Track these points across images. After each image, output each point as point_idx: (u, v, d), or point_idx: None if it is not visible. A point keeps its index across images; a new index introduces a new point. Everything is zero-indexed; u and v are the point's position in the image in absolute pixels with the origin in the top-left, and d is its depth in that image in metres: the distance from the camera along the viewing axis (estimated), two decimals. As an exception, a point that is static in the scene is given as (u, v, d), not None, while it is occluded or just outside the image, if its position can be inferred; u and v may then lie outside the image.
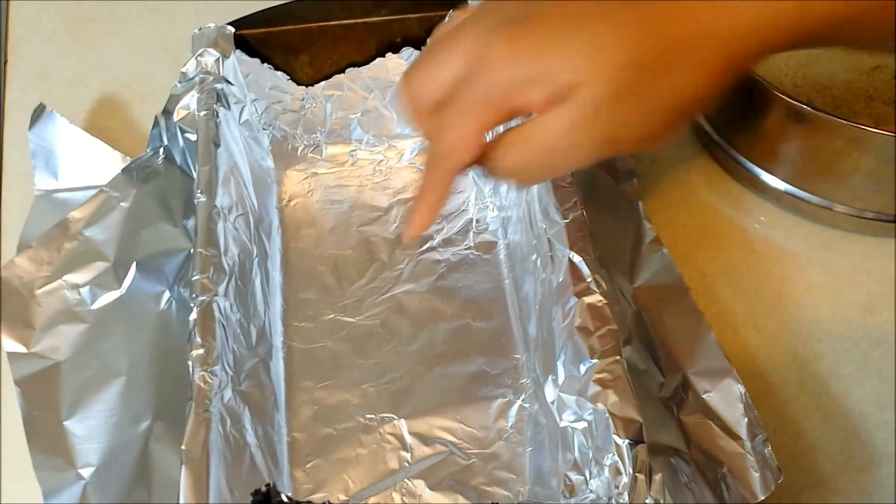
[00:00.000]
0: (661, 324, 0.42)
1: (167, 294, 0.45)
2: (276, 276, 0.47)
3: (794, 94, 0.45)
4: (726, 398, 0.39)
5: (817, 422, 0.43)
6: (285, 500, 0.35)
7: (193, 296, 0.39)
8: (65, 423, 0.41)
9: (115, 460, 0.40)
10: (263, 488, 0.35)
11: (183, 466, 0.34)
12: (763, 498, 0.36)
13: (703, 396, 0.39)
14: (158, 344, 0.43)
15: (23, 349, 0.42)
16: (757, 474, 0.37)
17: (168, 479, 0.38)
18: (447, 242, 0.49)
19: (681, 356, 0.41)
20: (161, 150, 0.48)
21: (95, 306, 0.44)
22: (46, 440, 0.40)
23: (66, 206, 0.47)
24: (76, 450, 0.40)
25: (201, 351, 0.37)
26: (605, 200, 0.46)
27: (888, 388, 0.44)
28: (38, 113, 0.50)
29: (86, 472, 0.39)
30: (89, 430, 0.40)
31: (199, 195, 0.42)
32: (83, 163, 0.50)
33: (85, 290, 0.44)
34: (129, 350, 0.43)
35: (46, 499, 0.38)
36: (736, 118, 0.50)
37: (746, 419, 0.38)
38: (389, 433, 0.42)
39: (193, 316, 0.38)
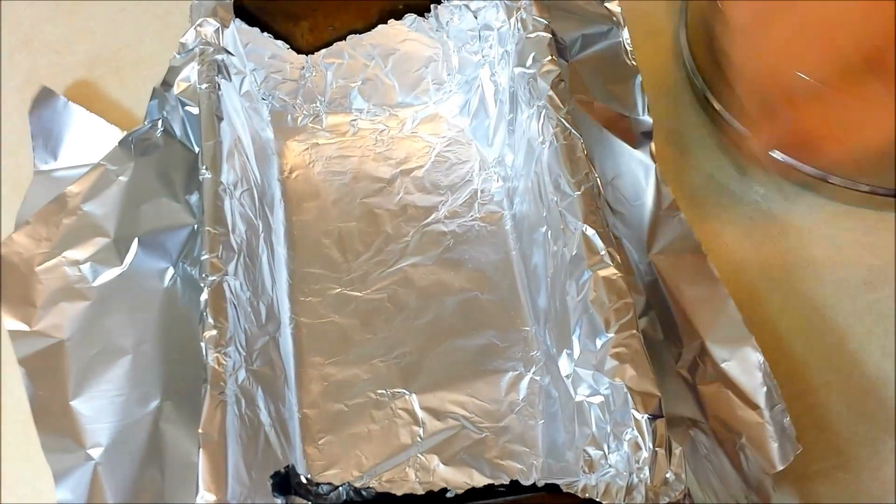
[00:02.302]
0: (678, 292, 0.42)
1: (171, 270, 0.44)
2: (281, 250, 0.47)
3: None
4: (745, 367, 0.39)
5: (824, 397, 0.43)
6: (304, 480, 0.35)
7: (203, 276, 0.38)
8: (71, 402, 0.40)
9: (125, 440, 0.39)
10: (282, 470, 0.35)
11: (200, 450, 0.33)
12: (781, 468, 0.36)
13: (722, 365, 0.39)
14: (164, 322, 0.42)
15: (25, 327, 0.42)
16: (776, 444, 0.37)
17: (180, 459, 0.38)
18: (452, 214, 0.48)
19: (699, 325, 0.41)
20: (160, 122, 0.47)
21: (97, 283, 0.43)
22: (54, 421, 0.39)
23: (65, 184, 0.46)
24: (85, 430, 0.39)
25: (214, 332, 0.36)
26: (621, 165, 0.46)
27: (890, 363, 0.44)
28: (38, 94, 0.49)
29: (95, 453, 0.39)
30: (97, 410, 0.40)
31: (204, 172, 0.41)
32: (83, 141, 0.49)
33: (86, 267, 0.43)
34: (133, 328, 0.42)
35: (57, 481, 0.38)
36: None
37: (765, 388, 0.38)
38: (401, 408, 0.42)
39: (204, 297, 0.37)
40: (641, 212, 0.45)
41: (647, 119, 0.47)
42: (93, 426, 0.39)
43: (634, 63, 0.48)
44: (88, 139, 0.49)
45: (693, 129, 0.52)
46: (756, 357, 0.39)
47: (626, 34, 0.48)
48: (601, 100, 0.46)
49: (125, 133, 0.48)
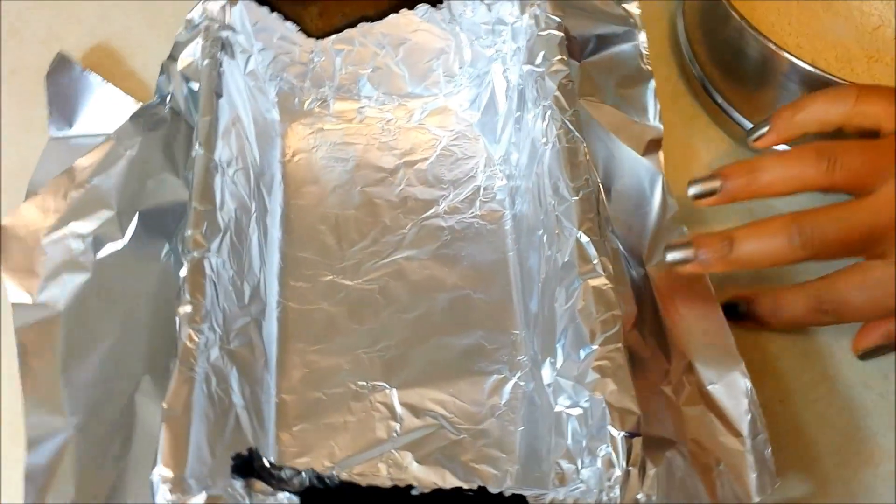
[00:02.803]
0: (672, 307, 0.41)
1: (167, 246, 0.43)
2: (275, 232, 0.46)
3: (798, 55, 0.44)
4: (731, 392, 0.38)
5: (822, 392, 0.42)
6: (267, 464, 0.34)
7: (185, 251, 0.37)
8: (60, 372, 0.40)
9: (99, 412, 0.39)
10: (245, 452, 0.34)
11: (163, 424, 0.33)
12: (757, 501, 0.35)
13: (708, 388, 0.38)
14: (156, 297, 0.42)
15: (28, 299, 0.41)
16: (754, 475, 0.36)
17: (149, 434, 0.37)
18: (453, 209, 0.47)
19: (689, 343, 0.39)
20: (168, 98, 0.46)
21: (99, 256, 0.43)
22: (39, 387, 0.39)
23: (78, 153, 0.46)
24: (67, 399, 0.39)
25: (189, 308, 0.36)
26: (626, 172, 0.45)
27: (888, 358, 0.43)
28: (55, 61, 0.49)
29: (72, 422, 0.38)
30: (82, 381, 0.39)
31: (197, 147, 0.41)
32: (98, 110, 0.49)
33: (89, 240, 0.43)
34: (127, 302, 0.42)
35: (30, 448, 0.38)
36: (740, 82, 0.49)
37: (750, 416, 0.37)
38: (380, 402, 0.41)
39: (183, 272, 0.37)
40: (644, 221, 0.44)
41: (658, 126, 0.46)
42: (76, 395, 0.39)
43: (649, 68, 0.47)
44: (104, 108, 0.49)
45: (690, 119, 0.51)
46: (744, 383, 0.38)
47: (643, 37, 0.47)
48: (611, 102, 0.45)
49: (139, 105, 0.48)
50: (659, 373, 0.40)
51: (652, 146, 0.46)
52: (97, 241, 0.43)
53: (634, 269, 0.43)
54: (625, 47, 0.47)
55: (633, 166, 0.44)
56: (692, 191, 0.40)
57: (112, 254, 0.43)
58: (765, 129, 0.42)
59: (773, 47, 0.45)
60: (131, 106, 0.49)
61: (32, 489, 0.37)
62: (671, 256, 0.39)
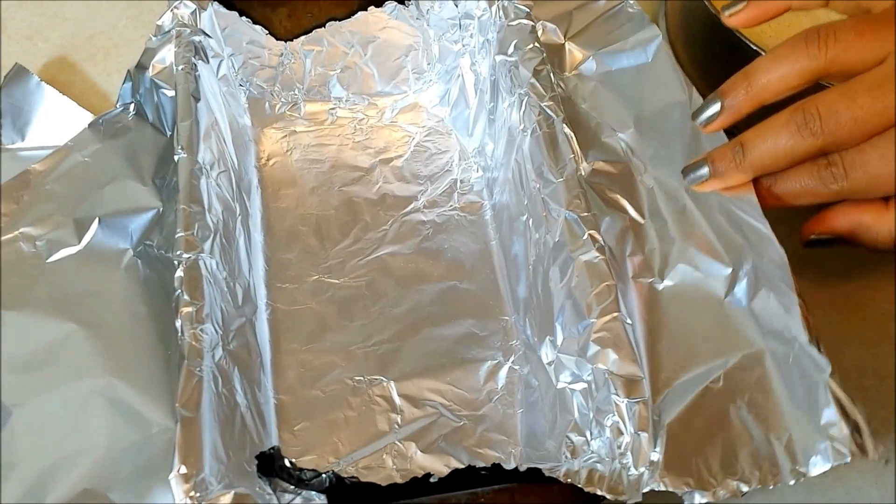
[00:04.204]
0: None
1: (130, 253, 0.42)
2: (257, 236, 0.46)
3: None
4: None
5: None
6: (287, 465, 0.34)
7: (178, 253, 0.37)
8: (3, 362, 0.38)
9: (54, 406, 0.37)
10: (268, 451, 0.34)
11: (178, 424, 0.32)
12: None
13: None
14: (117, 303, 0.40)
15: None
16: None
17: (114, 430, 0.36)
18: (431, 203, 0.48)
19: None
20: (132, 105, 0.46)
21: (51, 260, 0.42)
22: None
23: (29, 164, 0.45)
24: (11, 388, 0.37)
25: (190, 309, 0.35)
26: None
27: (869, 352, 0.44)
28: (12, 71, 0.48)
29: (17, 408, 0.36)
30: (29, 374, 0.38)
31: (179, 151, 0.40)
32: (52, 122, 0.48)
33: (41, 244, 0.42)
34: (82, 307, 0.40)
35: None
36: (721, 83, 0.49)
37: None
38: (378, 395, 0.41)
39: (179, 274, 0.36)
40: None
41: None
42: (22, 391, 0.37)
43: (634, 10, 0.48)
44: (58, 121, 0.48)
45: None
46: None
47: None
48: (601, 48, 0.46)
49: (95, 116, 0.47)
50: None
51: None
52: (50, 245, 0.42)
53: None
54: (605, 8, 0.48)
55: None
56: (698, 119, 0.38)
57: (65, 258, 0.42)
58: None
59: (754, 48, 0.45)
60: (87, 118, 0.48)
61: None
62: (689, 178, 0.39)
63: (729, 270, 0.38)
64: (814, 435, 0.33)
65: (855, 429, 0.32)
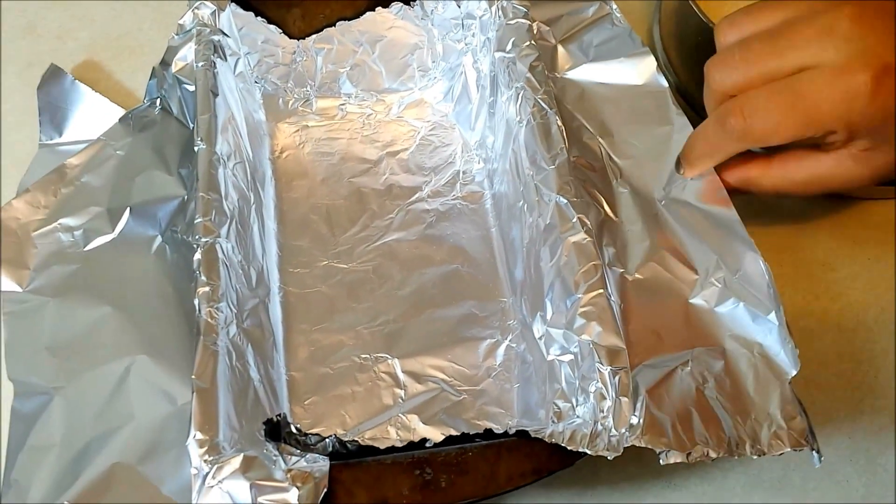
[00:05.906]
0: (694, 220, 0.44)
1: (159, 239, 0.46)
2: (271, 224, 0.49)
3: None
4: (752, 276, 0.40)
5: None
6: (294, 431, 0.37)
7: (196, 237, 0.40)
8: (45, 348, 0.41)
9: (92, 387, 0.40)
10: (275, 418, 0.37)
11: (194, 394, 0.35)
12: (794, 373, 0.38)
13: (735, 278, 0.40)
14: (148, 285, 0.44)
15: (18, 289, 0.43)
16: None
17: (146, 411, 0.39)
18: (435, 193, 0.51)
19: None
20: (158, 100, 0.49)
21: (88, 248, 0.45)
22: (23, 364, 0.41)
23: (66, 158, 0.48)
24: (54, 372, 0.40)
25: (207, 289, 0.38)
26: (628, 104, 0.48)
27: (846, 338, 0.46)
28: (48, 72, 0.52)
29: (59, 392, 0.40)
30: (70, 357, 0.41)
31: (199, 142, 0.43)
32: (87, 118, 0.51)
33: (79, 233, 0.45)
34: (118, 289, 0.44)
35: (14, 412, 0.39)
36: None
37: (771, 291, 0.39)
38: (384, 372, 0.44)
39: (198, 256, 0.39)
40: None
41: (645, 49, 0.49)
42: (63, 368, 0.40)
43: (622, 26, 0.50)
44: (92, 116, 0.51)
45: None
46: (760, 264, 0.40)
47: (613, 5, 0.51)
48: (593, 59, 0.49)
49: (126, 111, 0.50)
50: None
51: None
52: (87, 234, 0.45)
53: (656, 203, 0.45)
54: (596, 18, 0.51)
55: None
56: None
57: (101, 246, 0.45)
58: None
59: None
60: (118, 113, 0.51)
61: (17, 432, 0.39)
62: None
63: (696, 277, 0.41)
64: (773, 421, 0.37)
65: (810, 431, 0.36)
